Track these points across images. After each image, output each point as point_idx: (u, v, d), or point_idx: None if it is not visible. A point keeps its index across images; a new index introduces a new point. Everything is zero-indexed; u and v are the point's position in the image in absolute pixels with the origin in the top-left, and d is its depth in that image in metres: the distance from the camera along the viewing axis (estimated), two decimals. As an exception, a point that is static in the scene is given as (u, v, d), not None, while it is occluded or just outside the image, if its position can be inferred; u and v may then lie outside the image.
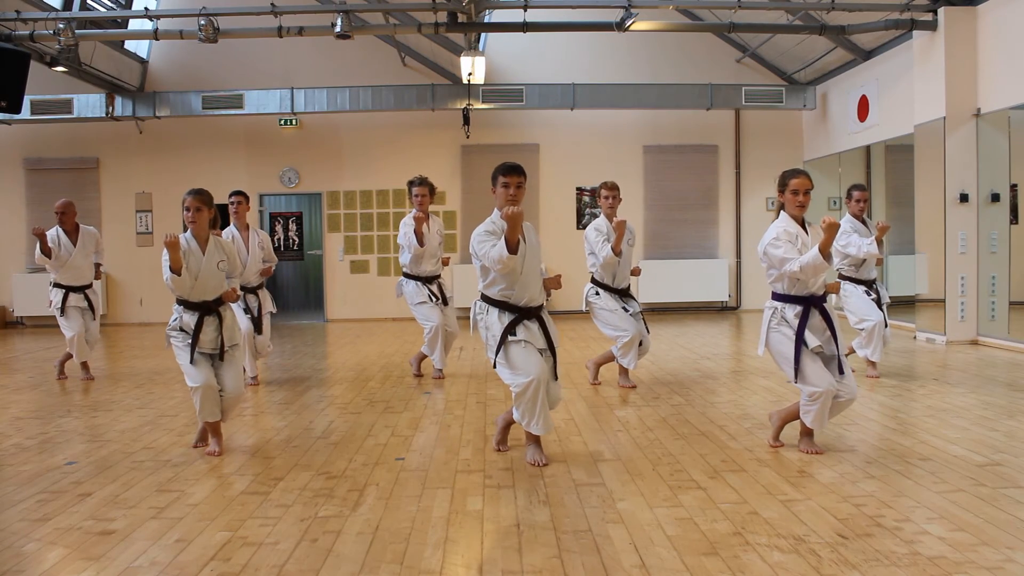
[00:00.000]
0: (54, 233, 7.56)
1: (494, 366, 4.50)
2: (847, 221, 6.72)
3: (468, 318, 4.80)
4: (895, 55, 10.46)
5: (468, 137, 12.62)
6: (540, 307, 4.55)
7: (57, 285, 7.60)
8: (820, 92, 12.72)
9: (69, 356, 7.73)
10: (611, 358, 6.71)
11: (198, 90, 12.57)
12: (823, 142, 12.78)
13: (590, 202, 13.31)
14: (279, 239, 13.42)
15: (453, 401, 6.30)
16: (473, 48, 11.29)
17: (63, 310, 7.55)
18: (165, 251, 4.65)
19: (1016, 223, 9.63)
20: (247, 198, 7.03)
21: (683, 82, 12.77)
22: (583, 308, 6.69)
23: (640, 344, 6.52)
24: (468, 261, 12.15)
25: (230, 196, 6.96)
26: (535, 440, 4.53)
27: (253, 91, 12.48)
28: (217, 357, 4.83)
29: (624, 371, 6.71)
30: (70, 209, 7.68)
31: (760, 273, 5.33)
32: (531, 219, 12.80)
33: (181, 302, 4.82)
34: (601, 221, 6.53)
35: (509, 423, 4.73)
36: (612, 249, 6.33)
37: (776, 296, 4.61)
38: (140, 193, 13.25)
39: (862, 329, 6.75)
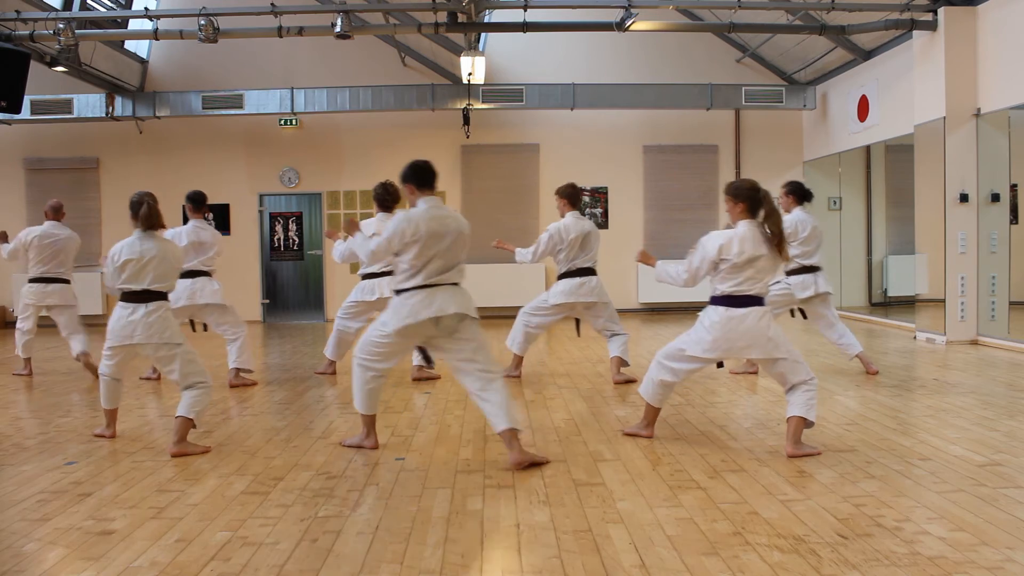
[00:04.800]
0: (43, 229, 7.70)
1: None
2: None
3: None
4: (895, 55, 10.46)
5: (468, 137, 12.60)
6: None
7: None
8: (820, 92, 12.72)
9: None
10: (621, 362, 6.94)
11: (198, 90, 12.56)
12: (823, 142, 12.77)
13: (590, 202, 13.30)
14: (279, 239, 13.43)
15: (453, 401, 6.30)
16: (473, 48, 11.28)
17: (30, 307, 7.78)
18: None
19: (1016, 223, 9.64)
20: (193, 203, 6.97)
21: (683, 82, 12.76)
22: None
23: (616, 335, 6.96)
24: (468, 261, 12.11)
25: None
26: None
27: (253, 91, 12.48)
28: None
29: (617, 364, 6.94)
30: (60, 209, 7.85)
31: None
32: (531, 219, 12.93)
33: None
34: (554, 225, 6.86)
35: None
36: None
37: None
38: (140, 193, 13.25)
39: None
